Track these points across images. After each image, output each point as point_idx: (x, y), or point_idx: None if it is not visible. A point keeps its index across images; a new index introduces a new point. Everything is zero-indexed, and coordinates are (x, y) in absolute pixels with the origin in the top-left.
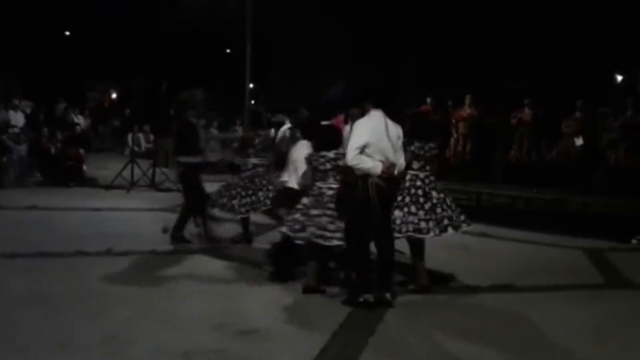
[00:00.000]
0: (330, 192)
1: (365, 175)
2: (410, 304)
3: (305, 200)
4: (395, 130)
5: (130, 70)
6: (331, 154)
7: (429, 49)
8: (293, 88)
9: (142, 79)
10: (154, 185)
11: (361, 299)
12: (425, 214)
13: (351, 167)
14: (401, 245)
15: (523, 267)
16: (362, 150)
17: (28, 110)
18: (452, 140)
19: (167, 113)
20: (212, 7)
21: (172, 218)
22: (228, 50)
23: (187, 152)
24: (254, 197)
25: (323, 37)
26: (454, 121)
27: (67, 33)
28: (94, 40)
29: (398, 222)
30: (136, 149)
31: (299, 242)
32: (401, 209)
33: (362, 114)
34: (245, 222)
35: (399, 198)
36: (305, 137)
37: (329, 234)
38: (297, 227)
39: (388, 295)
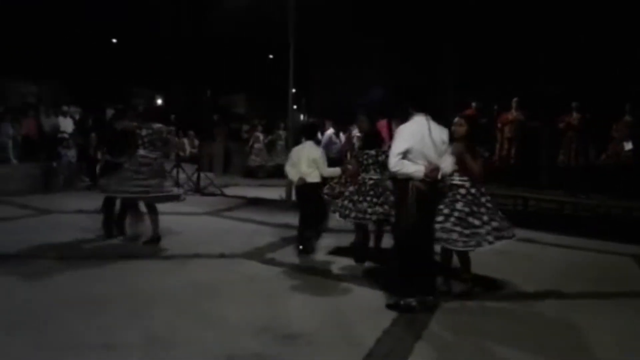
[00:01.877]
0: (372, 182)
1: (407, 179)
2: (456, 309)
3: (351, 188)
4: (440, 135)
5: (173, 77)
6: (373, 152)
7: (473, 52)
8: (332, 92)
9: (184, 86)
10: (198, 190)
11: (403, 302)
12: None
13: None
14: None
15: (570, 273)
16: (405, 155)
17: (77, 116)
18: (497, 144)
19: (211, 119)
20: (253, 13)
21: (214, 221)
22: (271, 56)
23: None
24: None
25: (361, 41)
26: (499, 125)
27: (114, 40)
28: (138, 47)
29: (483, 232)
30: (181, 154)
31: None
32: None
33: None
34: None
35: (476, 207)
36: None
37: (367, 216)
38: (346, 212)
39: (430, 298)
